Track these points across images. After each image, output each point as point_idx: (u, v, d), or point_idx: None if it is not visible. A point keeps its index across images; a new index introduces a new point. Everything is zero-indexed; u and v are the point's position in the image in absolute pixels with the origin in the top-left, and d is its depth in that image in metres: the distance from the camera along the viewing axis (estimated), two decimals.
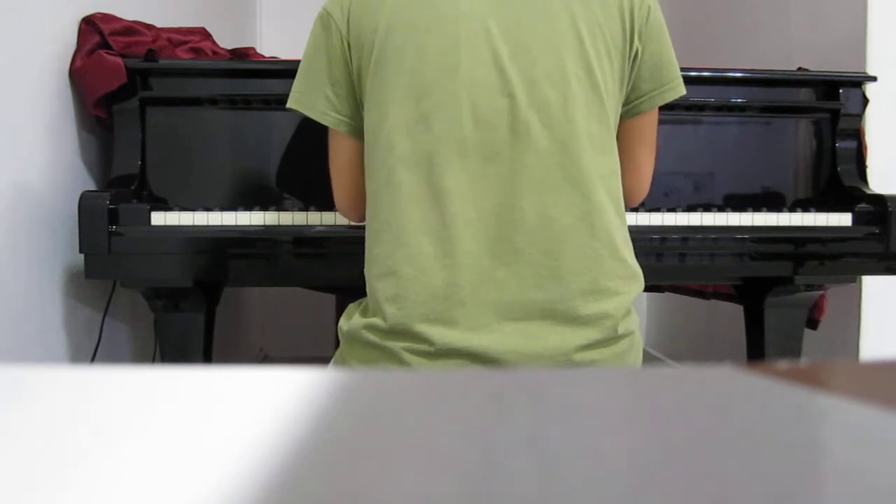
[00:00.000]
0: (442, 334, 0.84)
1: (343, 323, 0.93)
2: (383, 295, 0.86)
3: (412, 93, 0.86)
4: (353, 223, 1.22)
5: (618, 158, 0.93)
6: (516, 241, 0.86)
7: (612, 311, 0.87)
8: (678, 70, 0.96)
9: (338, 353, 0.97)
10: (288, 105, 0.96)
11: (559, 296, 0.85)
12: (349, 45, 0.91)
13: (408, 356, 0.85)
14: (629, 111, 0.96)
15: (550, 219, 0.86)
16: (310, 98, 0.95)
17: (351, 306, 0.96)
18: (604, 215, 0.87)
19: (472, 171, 0.86)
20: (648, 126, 1.00)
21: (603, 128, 0.89)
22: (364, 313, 0.91)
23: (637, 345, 0.93)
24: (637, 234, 1.13)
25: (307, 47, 0.95)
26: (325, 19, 0.92)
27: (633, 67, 0.93)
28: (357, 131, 0.95)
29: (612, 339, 0.88)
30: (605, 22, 0.88)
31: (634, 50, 0.91)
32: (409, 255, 0.86)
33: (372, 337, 0.87)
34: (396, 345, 0.85)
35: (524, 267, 0.85)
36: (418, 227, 0.86)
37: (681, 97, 0.97)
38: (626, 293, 0.89)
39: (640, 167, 1.01)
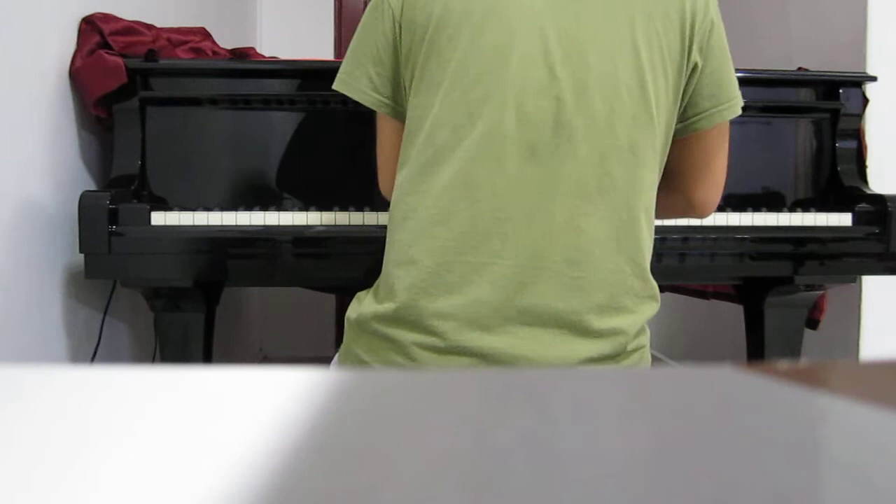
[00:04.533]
0: (454, 330, 0.83)
1: (352, 311, 0.92)
2: (400, 283, 0.85)
3: (460, 84, 0.84)
4: (353, 223, 1.23)
5: (658, 174, 0.90)
6: (542, 246, 0.84)
7: (626, 328, 0.86)
8: (737, 87, 0.94)
9: (343, 345, 0.95)
10: (333, 87, 0.95)
11: (577, 307, 0.84)
12: (401, 28, 0.88)
13: (416, 351, 0.84)
14: (686, 127, 0.93)
15: (579, 228, 0.84)
16: (353, 78, 0.93)
17: (360, 293, 0.95)
18: (635, 231, 0.86)
19: (508, 169, 0.83)
20: (721, 136, 0.97)
21: (648, 142, 0.86)
22: (376, 296, 0.89)
23: (646, 359, 0.92)
24: None
25: (357, 31, 0.94)
26: (378, 3, 0.90)
27: (689, 82, 0.90)
28: (399, 114, 0.93)
29: (622, 354, 0.87)
30: (664, 34, 0.85)
31: (692, 64, 0.89)
32: (431, 248, 0.84)
33: (381, 327, 0.86)
34: (406, 337, 0.84)
35: (547, 274, 0.84)
36: (445, 220, 0.84)
37: None
38: (641, 312, 0.88)
39: (718, 176, 0.99)
